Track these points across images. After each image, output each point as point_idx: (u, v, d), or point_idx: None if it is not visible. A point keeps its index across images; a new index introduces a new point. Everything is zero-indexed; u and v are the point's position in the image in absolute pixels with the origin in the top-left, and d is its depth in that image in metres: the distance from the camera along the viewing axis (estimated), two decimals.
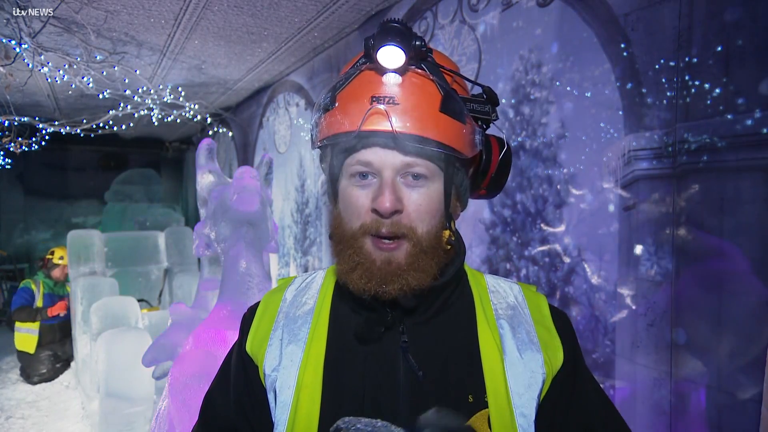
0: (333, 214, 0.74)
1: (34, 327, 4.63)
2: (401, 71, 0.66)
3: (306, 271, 4.33)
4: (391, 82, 0.66)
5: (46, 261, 4.96)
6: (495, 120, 0.74)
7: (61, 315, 4.68)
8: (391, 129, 0.63)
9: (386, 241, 0.67)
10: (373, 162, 0.67)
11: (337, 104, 0.67)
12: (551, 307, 0.79)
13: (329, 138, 0.68)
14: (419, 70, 0.67)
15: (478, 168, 0.76)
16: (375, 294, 0.67)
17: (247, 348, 0.76)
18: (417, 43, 0.66)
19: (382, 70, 0.66)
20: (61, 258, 4.83)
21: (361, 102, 0.65)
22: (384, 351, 0.70)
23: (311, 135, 0.73)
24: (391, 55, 0.64)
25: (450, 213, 0.72)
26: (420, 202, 0.67)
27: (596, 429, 0.74)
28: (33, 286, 4.81)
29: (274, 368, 0.73)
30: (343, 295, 0.76)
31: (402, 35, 0.64)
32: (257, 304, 0.82)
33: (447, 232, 0.71)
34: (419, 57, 0.67)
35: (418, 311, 0.71)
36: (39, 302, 4.76)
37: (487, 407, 0.67)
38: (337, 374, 0.70)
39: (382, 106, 0.64)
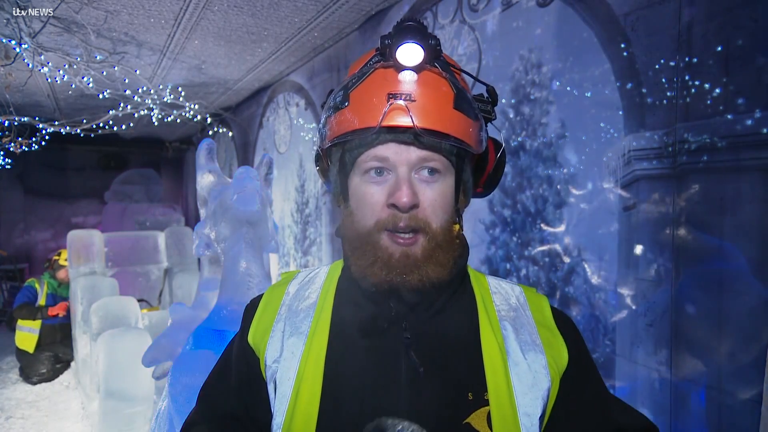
0: (344, 213, 0.75)
1: (36, 326, 4.63)
2: (418, 69, 0.67)
3: None
4: (408, 79, 0.67)
5: (52, 262, 4.96)
6: (493, 119, 0.75)
7: (60, 315, 4.67)
8: (412, 124, 0.64)
9: (403, 235, 0.68)
10: (389, 157, 0.68)
11: (350, 103, 0.68)
12: (553, 308, 0.79)
13: (344, 135, 0.68)
14: (433, 68, 0.68)
15: (475, 166, 0.78)
16: (396, 284, 0.68)
17: (249, 339, 0.77)
18: (432, 42, 0.67)
19: (399, 68, 0.67)
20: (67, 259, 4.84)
21: (377, 99, 0.66)
22: (386, 346, 0.71)
23: (320, 134, 0.74)
24: (411, 53, 0.66)
25: (458, 208, 0.73)
26: (435, 197, 0.68)
27: (614, 419, 0.75)
28: (37, 286, 4.82)
29: (275, 360, 0.73)
30: (346, 290, 0.77)
31: (421, 33, 0.66)
32: (260, 296, 0.83)
33: (457, 226, 0.72)
34: (434, 55, 0.68)
35: (421, 308, 0.72)
36: (42, 302, 4.76)
37: (487, 405, 0.68)
38: (338, 368, 0.71)
39: (401, 102, 0.65)
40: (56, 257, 4.94)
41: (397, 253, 0.68)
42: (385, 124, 0.65)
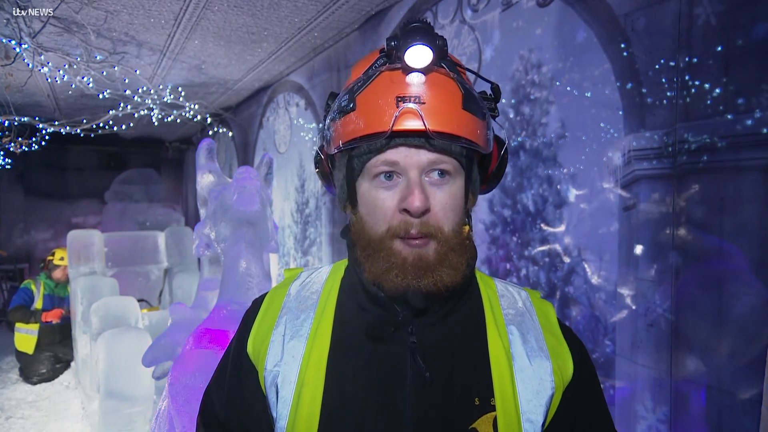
0: (353, 218, 0.74)
1: (34, 328, 4.62)
2: (426, 70, 0.66)
3: None
4: (416, 81, 0.66)
5: (47, 262, 4.93)
6: (496, 117, 0.74)
7: (54, 322, 4.66)
8: (423, 128, 0.63)
9: (415, 240, 0.67)
10: (399, 161, 0.67)
11: (357, 107, 0.67)
12: (558, 319, 0.79)
13: (353, 141, 0.67)
14: (440, 69, 0.67)
15: (479, 163, 0.77)
16: (411, 288, 0.67)
17: (248, 348, 0.76)
18: (439, 42, 0.66)
19: (407, 70, 0.66)
20: (62, 259, 4.80)
21: (386, 103, 0.65)
22: (391, 351, 0.70)
23: (324, 138, 0.72)
24: (419, 55, 0.65)
25: (468, 209, 0.73)
26: (446, 200, 0.68)
27: None
28: (33, 287, 4.79)
29: (275, 364, 0.72)
30: (350, 293, 0.76)
31: (429, 35, 0.65)
32: (262, 298, 0.82)
33: (467, 228, 0.72)
34: (441, 55, 0.67)
35: (428, 312, 0.71)
36: (39, 303, 4.74)
37: (493, 410, 0.67)
38: (340, 371, 0.70)
39: (413, 105, 0.64)
40: (50, 257, 4.92)
41: (410, 257, 0.67)
42: (396, 128, 0.64)
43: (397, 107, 0.64)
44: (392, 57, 0.67)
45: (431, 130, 0.63)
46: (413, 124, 0.64)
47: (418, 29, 0.65)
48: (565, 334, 0.76)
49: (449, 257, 0.67)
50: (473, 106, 0.67)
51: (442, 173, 0.67)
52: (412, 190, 0.65)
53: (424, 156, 0.66)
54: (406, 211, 0.66)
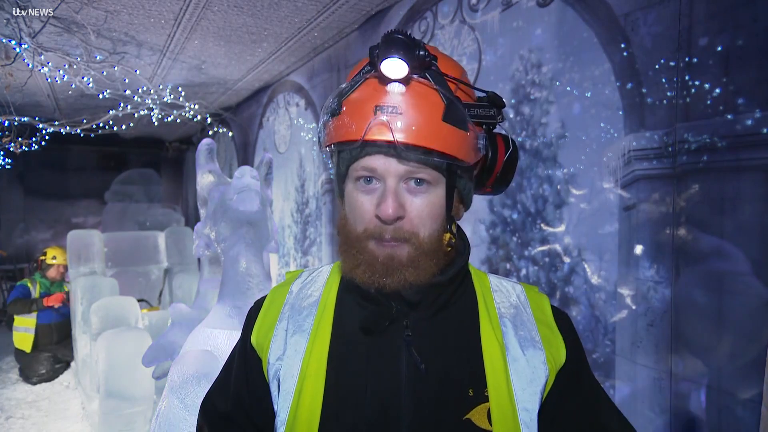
0: (340, 212, 0.77)
1: (31, 326, 4.62)
2: (405, 81, 0.67)
3: None
4: (395, 91, 0.67)
5: (39, 262, 4.97)
6: (501, 122, 0.75)
7: (56, 306, 4.65)
8: (393, 140, 0.65)
9: (389, 242, 0.69)
10: (377, 168, 0.69)
11: (343, 110, 0.69)
12: (553, 307, 0.81)
13: (336, 144, 0.71)
14: (423, 80, 0.68)
15: (483, 166, 0.78)
16: (378, 285, 0.69)
17: (252, 340, 0.79)
18: (421, 53, 0.66)
19: (386, 80, 0.67)
20: (54, 258, 4.83)
21: (365, 110, 0.67)
22: (388, 344, 0.72)
23: (318, 137, 0.75)
24: (395, 67, 0.65)
25: (452, 216, 0.74)
26: (422, 208, 0.69)
27: (603, 423, 0.76)
28: (30, 285, 4.81)
29: (278, 357, 0.75)
30: (348, 289, 0.78)
31: (405, 47, 0.65)
32: (264, 298, 0.85)
33: (448, 235, 0.73)
34: (423, 66, 0.68)
35: (422, 306, 0.73)
36: None
37: (487, 401, 0.69)
38: (340, 365, 0.72)
39: (384, 117, 0.65)
40: (42, 257, 4.96)
41: (381, 256, 0.69)
42: (367, 138, 0.65)
43: (375, 116, 0.65)
44: (375, 65, 0.68)
45: (401, 143, 0.65)
46: (385, 136, 0.65)
47: (396, 41, 0.65)
48: (558, 323, 0.78)
49: (420, 260, 0.69)
50: (456, 117, 0.67)
51: (420, 182, 0.69)
52: (385, 198, 0.68)
53: (401, 165, 0.68)
54: (379, 217, 0.68)
